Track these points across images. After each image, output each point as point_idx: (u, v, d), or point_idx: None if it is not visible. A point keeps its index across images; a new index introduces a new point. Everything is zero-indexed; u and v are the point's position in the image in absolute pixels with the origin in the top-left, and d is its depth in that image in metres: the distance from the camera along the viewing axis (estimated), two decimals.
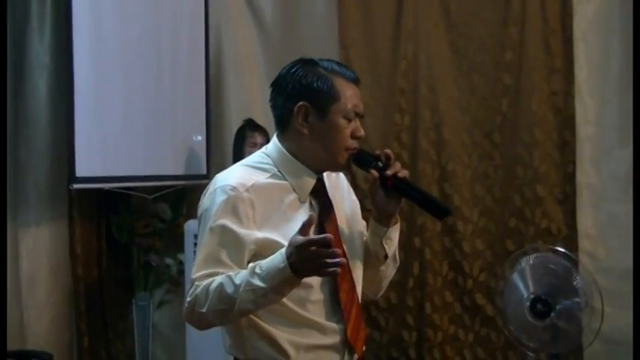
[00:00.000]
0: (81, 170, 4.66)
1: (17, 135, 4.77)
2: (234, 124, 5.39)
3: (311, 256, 2.36)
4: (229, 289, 2.44)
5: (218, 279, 2.47)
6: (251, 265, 2.46)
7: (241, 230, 2.51)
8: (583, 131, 5.14)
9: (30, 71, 4.85)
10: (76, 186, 4.71)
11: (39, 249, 4.91)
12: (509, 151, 5.21)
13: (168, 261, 5.39)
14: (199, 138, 5.40)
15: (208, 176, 5.37)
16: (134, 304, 5.30)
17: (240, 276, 2.45)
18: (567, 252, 4.57)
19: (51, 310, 4.96)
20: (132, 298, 5.34)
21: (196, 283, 2.51)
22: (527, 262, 4.51)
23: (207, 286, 2.48)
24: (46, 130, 4.88)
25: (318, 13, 5.47)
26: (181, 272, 5.33)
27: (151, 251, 5.33)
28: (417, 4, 5.28)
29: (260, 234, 2.53)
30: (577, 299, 4.48)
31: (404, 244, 5.14)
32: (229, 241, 2.52)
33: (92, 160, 4.75)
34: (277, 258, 2.42)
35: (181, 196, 5.44)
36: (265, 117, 4.92)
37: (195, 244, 4.69)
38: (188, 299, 2.51)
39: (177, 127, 5.28)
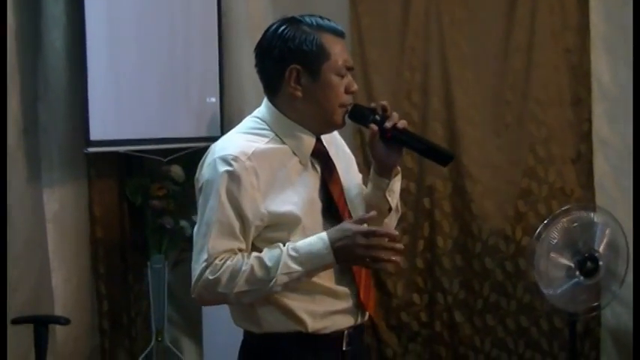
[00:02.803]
0: (95, 134, 4.69)
1: (37, 96, 4.77)
2: (247, 85, 5.38)
3: (367, 246, 2.39)
4: (260, 273, 2.45)
5: (244, 260, 2.46)
6: (285, 247, 2.45)
7: (248, 204, 2.48)
8: (598, 89, 5.07)
9: (46, 30, 4.82)
10: (90, 149, 4.73)
11: (64, 211, 4.92)
12: (521, 110, 5.12)
13: (183, 223, 5.38)
14: (213, 99, 5.37)
15: None
16: (149, 267, 5.31)
17: (270, 257, 2.46)
18: (605, 211, 4.59)
19: (73, 273, 4.99)
20: (147, 260, 5.35)
21: (216, 261, 2.47)
22: (566, 222, 4.48)
23: (232, 267, 2.46)
24: (65, 91, 4.87)
25: None
26: None
27: (165, 214, 5.32)
28: None
29: (267, 208, 2.50)
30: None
31: (413, 205, 5.11)
32: (239, 215, 2.49)
33: (106, 123, 4.77)
34: (318, 243, 2.44)
35: (196, 158, 5.39)
36: None
37: None
38: (209, 277, 2.47)
39: (191, 89, 5.24)
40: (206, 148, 5.19)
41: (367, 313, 2.71)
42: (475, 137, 5.14)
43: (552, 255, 4.44)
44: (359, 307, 2.66)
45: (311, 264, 2.45)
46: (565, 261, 4.46)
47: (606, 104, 5.08)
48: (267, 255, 2.48)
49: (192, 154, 5.30)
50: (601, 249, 4.47)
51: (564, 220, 4.46)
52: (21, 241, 4.45)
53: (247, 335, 2.66)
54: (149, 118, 4.99)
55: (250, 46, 5.30)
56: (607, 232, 4.51)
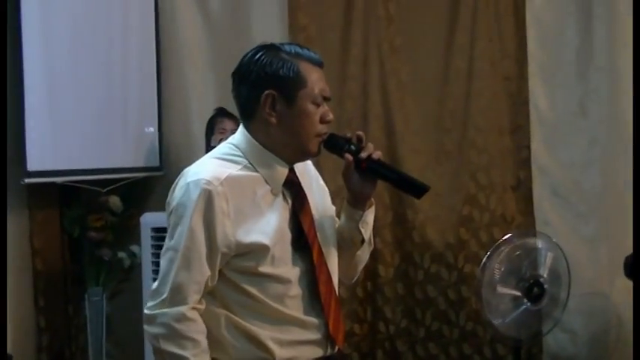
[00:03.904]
0: (32, 164, 4.63)
1: None
2: (186, 114, 5.35)
3: None
4: None
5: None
6: None
7: (217, 230, 2.45)
8: (537, 116, 5.09)
9: None
10: (27, 180, 4.67)
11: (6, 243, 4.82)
12: (461, 137, 5.12)
13: (121, 254, 5.31)
14: (151, 129, 5.33)
15: (161, 168, 5.31)
16: (87, 300, 5.23)
17: None
18: (546, 236, 4.60)
19: (14, 307, 4.86)
20: (84, 293, 5.27)
21: (187, 311, 2.46)
22: (509, 250, 4.47)
23: (185, 337, 2.46)
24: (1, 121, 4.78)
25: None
26: (135, 265, 5.26)
27: (103, 245, 5.25)
28: None
29: (235, 236, 2.46)
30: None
31: None
32: (208, 240, 2.46)
33: (44, 154, 4.72)
34: None
35: (135, 189, 5.37)
36: (217, 105, 4.95)
37: (153, 237, 4.71)
38: (174, 325, 2.45)
39: (129, 119, 5.21)
40: (145, 179, 5.26)
41: (336, 346, 2.65)
42: (416, 164, 5.11)
43: (498, 287, 4.43)
44: (328, 338, 2.61)
45: None
46: (511, 290, 4.45)
47: (544, 131, 5.10)
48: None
49: (130, 185, 5.26)
50: (545, 274, 4.49)
51: (506, 249, 4.46)
52: None
53: None
54: (87, 148, 4.94)
55: (190, 74, 5.40)
56: (549, 257, 4.53)
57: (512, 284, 4.44)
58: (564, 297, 4.58)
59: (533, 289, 4.45)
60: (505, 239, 4.52)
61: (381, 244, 5.10)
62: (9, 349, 4.52)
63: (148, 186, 5.36)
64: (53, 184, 5.00)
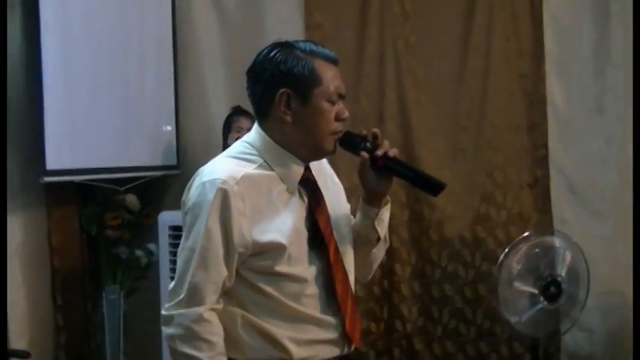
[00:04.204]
0: (51, 163, 4.66)
1: None
2: (204, 112, 5.36)
3: None
4: None
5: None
6: None
7: (233, 230, 2.45)
8: (554, 114, 5.08)
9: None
10: (46, 179, 4.69)
11: (25, 241, 4.87)
12: (477, 135, 5.12)
13: (138, 252, 5.33)
14: (169, 128, 5.34)
15: (179, 166, 5.32)
16: (104, 298, 5.24)
17: None
18: (565, 235, 4.58)
19: (34, 304, 4.91)
20: (102, 291, 5.28)
21: (204, 312, 2.46)
22: (527, 248, 4.45)
23: (201, 338, 2.46)
24: (22, 119, 4.81)
25: None
26: (152, 263, 5.27)
27: (120, 243, 5.27)
28: None
29: (251, 235, 2.46)
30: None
31: None
32: (225, 241, 2.46)
33: (62, 152, 4.74)
34: None
35: (152, 187, 5.38)
36: (234, 103, 4.94)
37: (171, 235, 4.72)
38: (192, 326, 2.46)
39: (146, 118, 5.22)
40: (162, 177, 5.27)
41: (353, 344, 2.65)
42: (432, 163, 5.09)
43: (516, 284, 4.41)
44: (345, 337, 2.61)
45: None
46: (528, 288, 4.43)
47: (561, 128, 5.08)
48: None
49: (147, 183, 5.27)
50: (563, 273, 4.47)
51: (524, 247, 4.44)
52: None
53: None
54: (104, 147, 4.97)
55: (207, 72, 5.41)
56: (567, 255, 4.51)
57: (530, 282, 4.42)
58: (583, 296, 4.55)
59: (551, 288, 4.43)
60: (523, 237, 4.50)
61: (397, 243, 5.10)
62: (26, 347, 4.56)
63: (165, 184, 5.38)
64: (71, 182, 5.02)
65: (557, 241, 4.56)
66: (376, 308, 5.17)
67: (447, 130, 5.18)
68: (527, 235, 4.52)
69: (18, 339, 4.74)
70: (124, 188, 5.20)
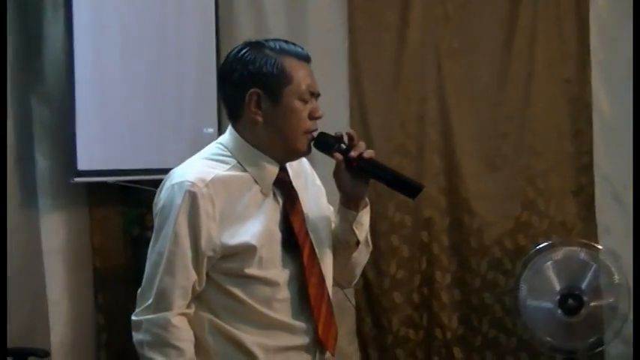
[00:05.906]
0: (83, 163, 4.61)
1: (32, 123, 4.75)
2: None
3: None
4: None
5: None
6: None
7: (202, 234, 2.40)
8: (599, 120, 4.97)
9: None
10: (77, 179, 4.65)
11: (64, 240, 4.86)
12: (518, 141, 5.03)
13: None
14: (210, 130, 5.32)
15: None
16: None
17: None
18: (592, 247, 4.53)
19: (74, 304, 4.91)
20: None
21: (172, 317, 2.41)
22: (549, 257, 4.44)
23: (169, 345, 2.41)
24: (54, 119, 4.78)
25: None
26: None
27: None
28: None
29: (220, 238, 2.41)
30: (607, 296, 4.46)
31: (408, 238, 4.99)
32: (193, 244, 2.41)
33: (94, 153, 4.68)
34: None
35: None
36: None
37: None
38: (160, 332, 2.41)
39: (185, 119, 5.19)
40: None
41: (327, 352, 2.58)
42: (472, 169, 5.03)
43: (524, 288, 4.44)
44: (317, 343, 2.54)
45: None
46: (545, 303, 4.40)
47: (606, 135, 4.98)
48: None
49: None
50: (584, 286, 4.39)
51: (539, 258, 4.43)
52: (13, 271, 4.40)
53: None
54: (137, 147, 4.87)
55: None
56: (602, 268, 4.42)
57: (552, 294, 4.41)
58: (624, 308, 4.44)
59: (568, 300, 4.38)
60: (537, 249, 4.53)
61: (437, 249, 5.03)
62: (68, 346, 4.60)
63: None
64: (113, 183, 5.04)
65: (581, 254, 4.51)
66: (415, 315, 5.08)
67: (487, 136, 5.09)
68: (551, 244, 4.48)
69: (60, 339, 4.76)
70: None
